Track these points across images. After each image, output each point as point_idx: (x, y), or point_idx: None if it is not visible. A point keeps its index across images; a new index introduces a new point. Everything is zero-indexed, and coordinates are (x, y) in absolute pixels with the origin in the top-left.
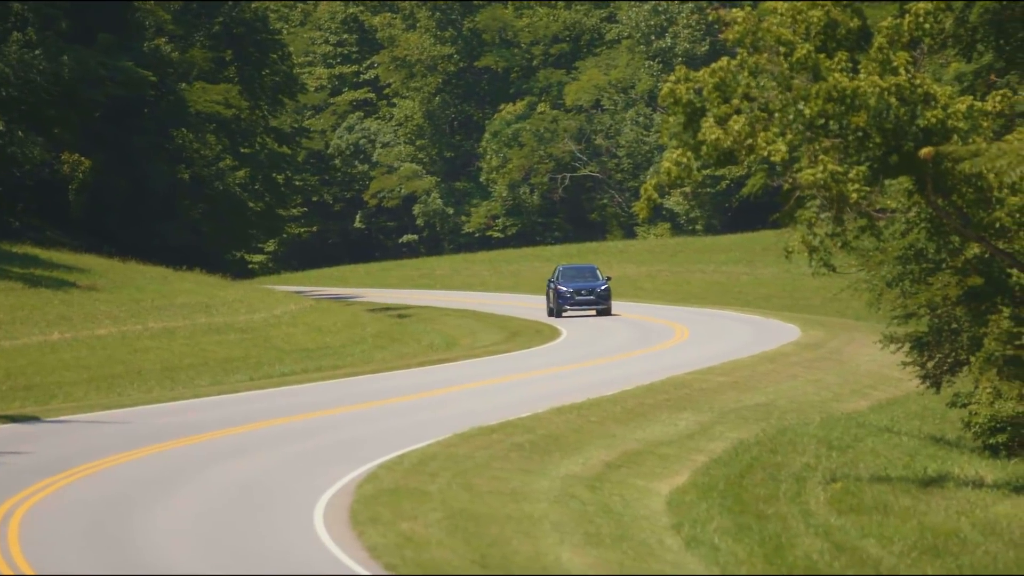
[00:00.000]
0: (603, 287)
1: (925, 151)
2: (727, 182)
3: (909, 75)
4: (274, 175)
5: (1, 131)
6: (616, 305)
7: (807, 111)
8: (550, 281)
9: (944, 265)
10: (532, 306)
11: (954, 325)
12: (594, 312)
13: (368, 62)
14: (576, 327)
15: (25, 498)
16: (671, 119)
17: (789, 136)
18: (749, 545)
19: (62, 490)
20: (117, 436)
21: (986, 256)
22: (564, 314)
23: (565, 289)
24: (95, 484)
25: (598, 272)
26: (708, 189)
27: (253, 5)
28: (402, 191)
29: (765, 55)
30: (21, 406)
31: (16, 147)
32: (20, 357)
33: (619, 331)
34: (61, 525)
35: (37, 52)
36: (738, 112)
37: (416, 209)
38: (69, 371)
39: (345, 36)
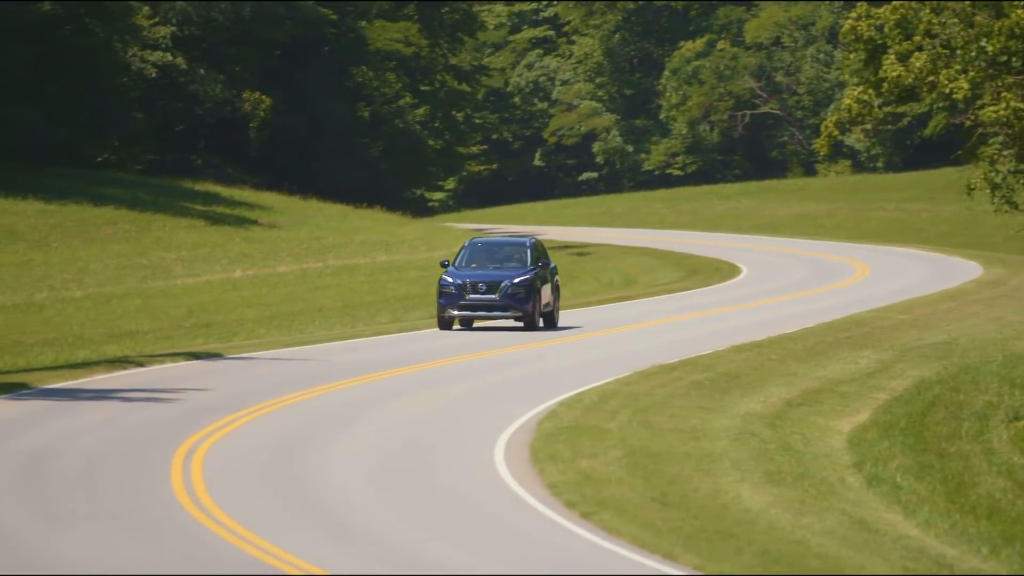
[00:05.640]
0: (520, 278)
1: None
2: (908, 119)
3: None
4: (453, 113)
5: (183, 69)
6: (794, 243)
7: (989, 48)
8: (443, 263)
9: None
10: (711, 244)
11: None
12: (518, 323)
13: None
14: (755, 265)
15: (207, 435)
16: (852, 56)
17: (971, 73)
18: (931, 484)
19: (243, 427)
20: (297, 374)
21: None
22: (456, 326)
23: (451, 281)
24: (275, 421)
25: (529, 252)
26: (889, 126)
27: None
28: (582, 129)
29: None
30: (204, 343)
31: (198, 84)
32: (202, 294)
33: (798, 269)
34: (242, 463)
35: None
36: (920, 49)
37: (595, 147)
38: (250, 308)
39: None
